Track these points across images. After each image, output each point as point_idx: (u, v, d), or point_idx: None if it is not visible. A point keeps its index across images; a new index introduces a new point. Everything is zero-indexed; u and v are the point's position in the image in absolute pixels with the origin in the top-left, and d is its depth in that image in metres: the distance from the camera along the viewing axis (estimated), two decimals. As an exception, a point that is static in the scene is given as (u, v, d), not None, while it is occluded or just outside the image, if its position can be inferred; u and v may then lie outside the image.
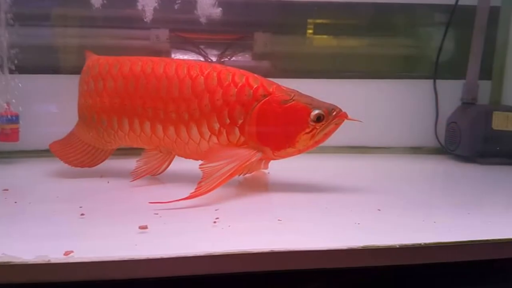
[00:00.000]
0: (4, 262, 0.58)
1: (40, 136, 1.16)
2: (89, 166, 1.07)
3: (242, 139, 0.94)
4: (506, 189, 1.11)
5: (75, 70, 1.11)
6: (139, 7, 1.24)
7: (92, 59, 1.06)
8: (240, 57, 1.39)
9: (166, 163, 1.04)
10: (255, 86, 0.93)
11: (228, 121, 0.93)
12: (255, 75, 0.96)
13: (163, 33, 1.32)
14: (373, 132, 1.44)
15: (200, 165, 0.90)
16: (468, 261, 0.70)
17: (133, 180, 1.00)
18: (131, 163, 1.02)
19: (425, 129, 1.49)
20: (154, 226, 0.71)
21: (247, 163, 0.92)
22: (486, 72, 1.48)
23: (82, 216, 0.77)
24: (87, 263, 0.59)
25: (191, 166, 0.96)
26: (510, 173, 1.26)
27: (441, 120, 1.47)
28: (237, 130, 0.94)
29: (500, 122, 1.34)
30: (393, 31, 1.49)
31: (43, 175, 1.08)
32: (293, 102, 0.92)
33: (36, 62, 1.29)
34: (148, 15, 1.24)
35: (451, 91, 1.45)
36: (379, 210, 0.85)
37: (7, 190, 0.94)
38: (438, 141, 1.48)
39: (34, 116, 1.25)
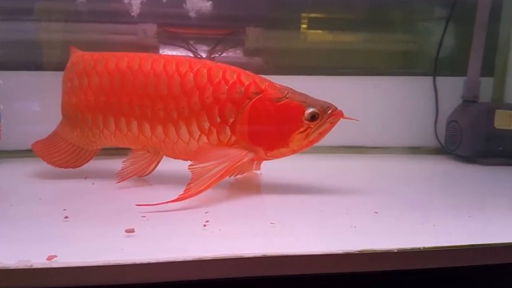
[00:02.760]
0: (-16, 267, 0.58)
1: (22, 136, 1.16)
2: (73, 167, 1.07)
3: (233, 138, 0.94)
4: (508, 191, 1.11)
5: (59, 66, 1.11)
6: (126, 1, 1.24)
7: (76, 55, 1.06)
8: (231, 53, 1.40)
9: (154, 164, 1.04)
10: (246, 83, 0.93)
11: (218, 119, 0.93)
12: (247, 71, 0.96)
13: (151, 28, 1.32)
14: (370, 131, 1.44)
15: (189, 165, 0.90)
16: (469, 266, 0.71)
17: (119, 182, 1.00)
18: (117, 164, 1.02)
19: (424, 128, 1.49)
20: (141, 230, 0.72)
21: (239, 163, 0.92)
22: (488, 69, 1.48)
23: (66, 219, 0.77)
24: (71, 268, 0.59)
25: (180, 166, 0.96)
26: (512, 174, 1.27)
27: (441, 119, 1.48)
28: (228, 129, 0.94)
29: (503, 121, 1.34)
30: (391, 25, 1.49)
31: (25, 176, 1.08)
32: (286, 100, 0.92)
33: (18, 58, 1.29)
34: (135, 9, 1.24)
35: (452, 89, 1.45)
36: (376, 212, 0.85)
37: (-13, 192, 0.94)
38: (438, 140, 1.48)
39: (15, 115, 1.25)
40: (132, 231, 0.71)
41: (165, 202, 0.83)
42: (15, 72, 1.26)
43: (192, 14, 1.26)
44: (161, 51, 1.36)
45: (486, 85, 1.47)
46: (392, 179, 1.19)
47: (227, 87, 0.93)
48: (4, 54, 1.20)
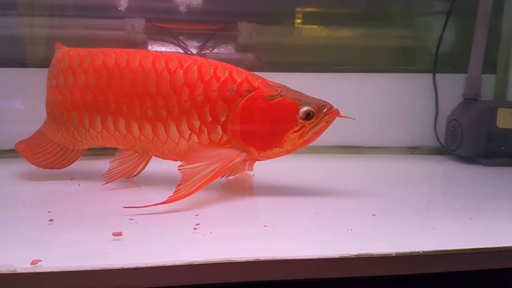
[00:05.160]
0: (-34, 272, 0.58)
1: (5, 135, 1.16)
2: (59, 168, 1.07)
3: (225, 138, 0.94)
4: (511, 192, 1.11)
5: (43, 63, 1.10)
6: (113, -6, 1.24)
7: (61, 51, 1.06)
8: (222, 49, 1.40)
9: (142, 164, 1.04)
10: (239, 81, 0.93)
11: (209, 118, 0.94)
12: (239, 68, 0.97)
13: (139, 23, 1.32)
14: (368, 130, 1.44)
15: (179, 166, 0.90)
16: (470, 270, 0.71)
17: (106, 183, 1.00)
18: (104, 164, 1.02)
19: (423, 127, 1.50)
20: (129, 233, 0.72)
21: (230, 164, 0.92)
22: (490, 65, 1.49)
23: (51, 222, 0.77)
24: (56, 272, 0.59)
25: (170, 167, 0.96)
26: (515, 174, 1.27)
27: (441, 118, 1.48)
28: (219, 129, 0.94)
29: (505, 119, 1.35)
30: (389, 20, 1.50)
31: (8, 177, 1.08)
32: (280, 98, 0.92)
33: (1, 55, 1.29)
34: (123, 3, 1.24)
35: (452, 86, 1.46)
36: (373, 215, 0.85)
37: (-31, 194, 0.94)
38: (438, 140, 1.49)
39: (-2, 113, 1.25)
40: (119, 234, 0.71)
41: (154, 204, 0.83)
42: (-3, 69, 1.26)
43: (182, 8, 1.26)
44: (149, 47, 1.36)
45: (488, 82, 1.48)
46: (390, 180, 1.19)
47: (218, 84, 0.93)
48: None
